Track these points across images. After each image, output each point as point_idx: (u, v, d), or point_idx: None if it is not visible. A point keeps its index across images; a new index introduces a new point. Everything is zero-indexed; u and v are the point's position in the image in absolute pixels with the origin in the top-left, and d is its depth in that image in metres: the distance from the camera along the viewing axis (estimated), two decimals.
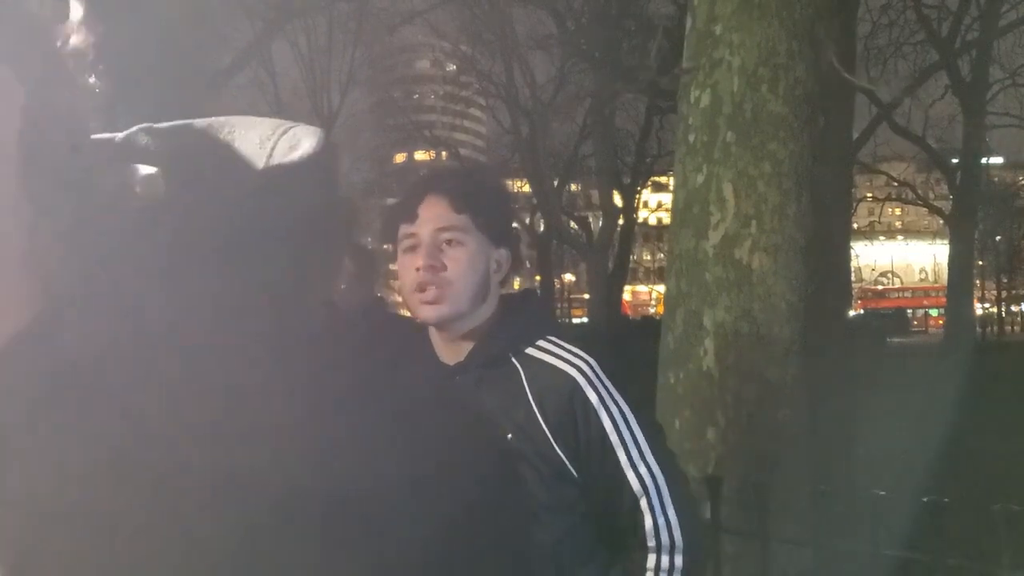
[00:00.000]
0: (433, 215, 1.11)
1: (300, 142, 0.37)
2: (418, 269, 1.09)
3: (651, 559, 1.05)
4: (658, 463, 1.07)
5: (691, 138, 2.57)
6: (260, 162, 0.37)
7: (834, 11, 2.51)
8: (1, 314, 0.35)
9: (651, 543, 1.05)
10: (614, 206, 14.98)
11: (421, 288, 1.10)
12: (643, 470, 1.05)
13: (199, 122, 0.40)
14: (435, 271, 1.09)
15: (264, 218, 0.36)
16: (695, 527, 1.08)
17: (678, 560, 1.04)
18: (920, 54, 14.19)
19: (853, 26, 2.85)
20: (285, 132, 0.38)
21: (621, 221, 15.23)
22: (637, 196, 16.33)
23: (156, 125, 0.40)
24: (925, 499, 1.66)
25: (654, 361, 2.59)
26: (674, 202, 2.68)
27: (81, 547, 0.33)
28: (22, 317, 0.35)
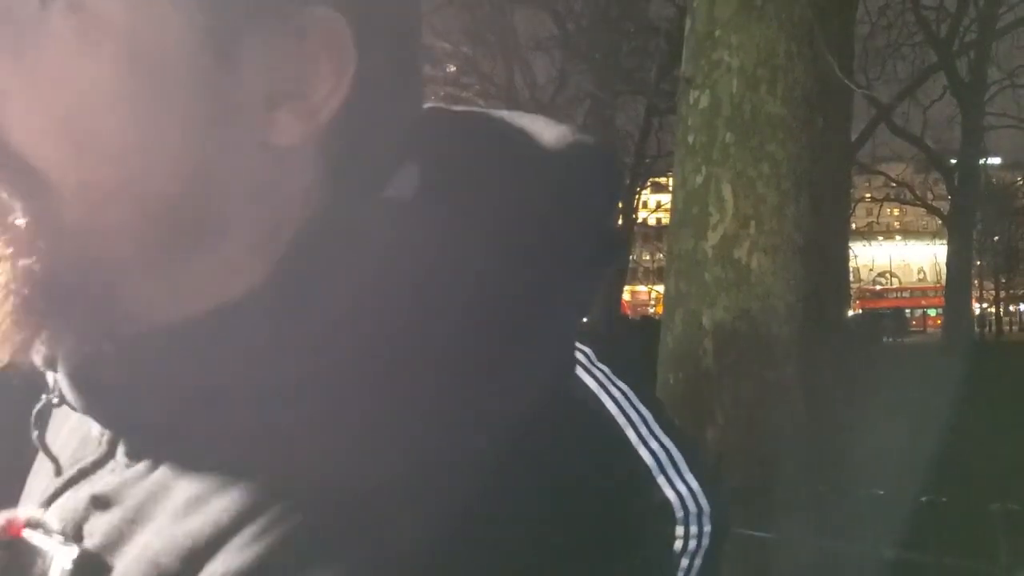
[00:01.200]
0: None
1: (594, 156, 0.31)
2: None
3: (680, 530, 1.04)
4: (668, 436, 1.06)
5: (690, 139, 2.57)
6: (544, 166, 0.30)
7: (833, 13, 2.52)
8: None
9: (679, 514, 1.04)
10: None
11: None
12: (655, 445, 1.05)
13: (494, 112, 0.33)
14: None
15: (527, 238, 0.28)
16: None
17: (707, 526, 1.04)
18: (919, 55, 14.23)
19: (852, 27, 2.86)
20: (579, 141, 0.31)
21: (620, 221, 15.26)
22: (636, 196, 16.35)
23: (448, 107, 0.33)
24: (924, 499, 1.66)
25: (654, 361, 2.59)
26: (673, 203, 2.69)
27: None
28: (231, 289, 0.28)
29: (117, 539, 0.29)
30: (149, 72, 0.26)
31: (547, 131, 0.32)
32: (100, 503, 0.30)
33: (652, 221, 21.02)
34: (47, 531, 0.30)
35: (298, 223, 0.29)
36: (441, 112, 0.33)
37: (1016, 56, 15.43)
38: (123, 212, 0.27)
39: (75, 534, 0.30)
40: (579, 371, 1.07)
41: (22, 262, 0.27)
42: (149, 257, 0.28)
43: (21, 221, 0.27)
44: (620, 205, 0.32)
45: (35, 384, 0.38)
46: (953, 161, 16.78)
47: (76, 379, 0.30)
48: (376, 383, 0.27)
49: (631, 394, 1.07)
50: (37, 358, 0.31)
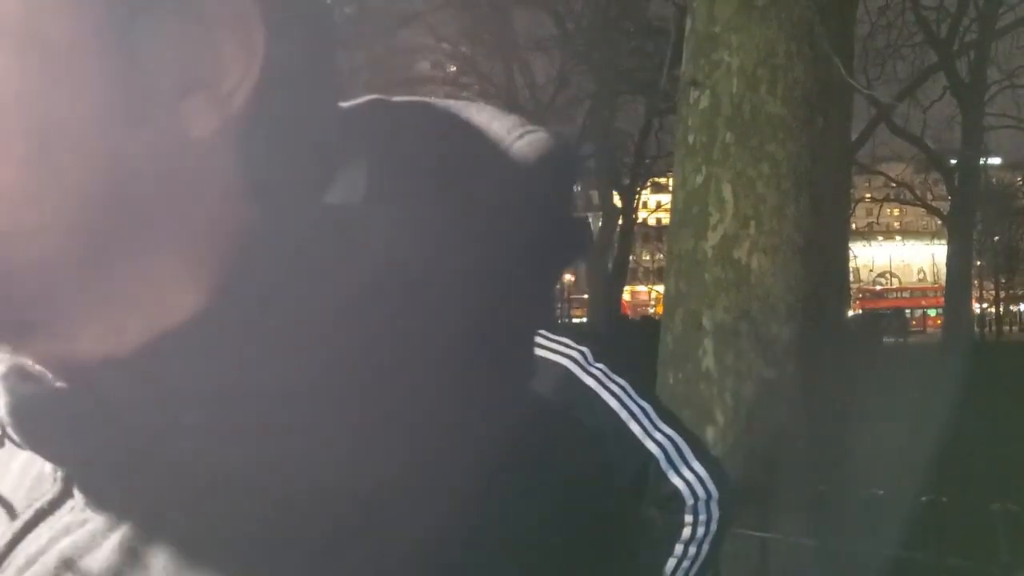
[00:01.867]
0: None
1: (546, 146, 0.29)
2: None
3: (688, 517, 1.05)
4: (670, 426, 1.07)
5: (690, 139, 2.57)
6: (497, 160, 0.29)
7: (833, 13, 2.52)
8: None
9: (688, 502, 1.05)
10: (613, 206, 15.00)
11: None
12: (659, 436, 1.06)
13: (438, 102, 0.31)
14: None
15: (490, 236, 0.27)
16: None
17: (715, 511, 1.05)
18: (919, 55, 14.24)
19: (852, 27, 2.86)
20: (529, 132, 0.29)
21: (620, 221, 15.25)
22: (637, 197, 16.35)
23: (389, 101, 0.31)
24: (924, 499, 1.66)
25: (654, 361, 2.59)
26: (673, 203, 2.69)
27: None
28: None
29: None
30: (48, 65, 0.25)
31: (495, 123, 0.30)
32: (69, 565, 0.28)
33: (652, 221, 21.01)
34: None
35: (234, 235, 0.27)
36: (381, 104, 0.31)
37: (1016, 56, 15.42)
38: (42, 217, 0.25)
39: None
40: (577, 371, 1.07)
41: None
42: (76, 271, 0.26)
43: None
44: (574, 192, 0.31)
45: None
46: (953, 161, 16.78)
47: (17, 413, 0.28)
48: (345, 397, 0.26)
49: (629, 389, 1.08)
50: None
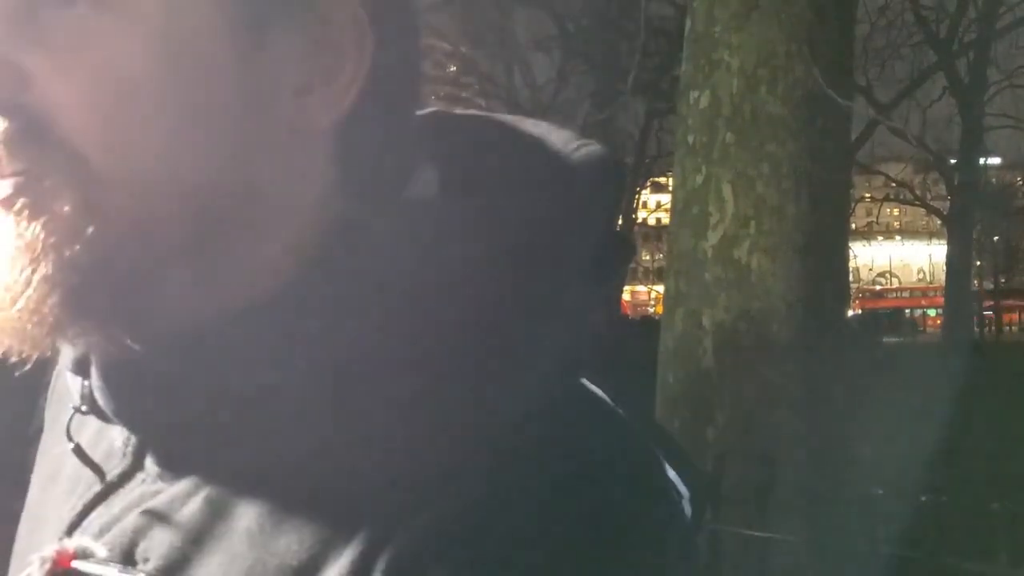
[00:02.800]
0: None
1: (601, 158, 0.31)
2: None
3: None
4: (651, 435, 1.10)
5: (690, 139, 2.57)
6: (557, 171, 0.30)
7: (832, 13, 2.52)
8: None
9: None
10: None
11: None
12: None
13: (496, 116, 0.33)
14: None
15: (541, 241, 0.29)
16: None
17: (687, 508, 1.07)
18: (918, 55, 14.24)
19: (851, 27, 2.86)
20: (585, 145, 0.32)
21: (620, 221, 15.28)
22: (636, 196, 16.36)
23: (452, 110, 0.33)
24: (924, 498, 1.66)
25: (654, 361, 2.59)
26: (673, 202, 2.69)
27: None
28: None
29: (181, 562, 0.28)
30: (183, 62, 0.27)
31: (552, 135, 0.32)
32: (150, 523, 0.29)
33: (652, 221, 21.02)
34: (98, 559, 0.29)
35: (324, 222, 0.29)
36: (448, 115, 0.34)
37: (1015, 56, 15.42)
38: (165, 201, 0.27)
39: (126, 558, 0.28)
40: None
41: (68, 252, 0.27)
42: (190, 246, 0.28)
43: (68, 208, 0.27)
44: (620, 206, 0.33)
45: (34, 389, 0.37)
46: (953, 161, 16.78)
47: (110, 380, 0.30)
48: (403, 381, 0.27)
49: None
50: (69, 362, 0.31)
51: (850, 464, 2.46)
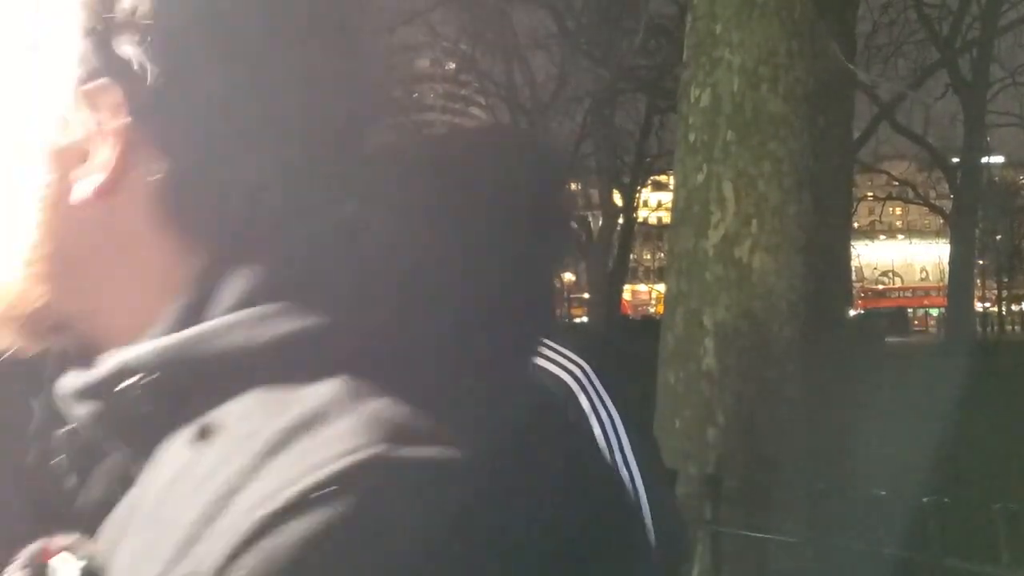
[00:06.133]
0: None
1: (536, 152, 0.35)
2: None
3: None
4: (639, 469, 1.12)
5: (691, 137, 2.56)
6: (490, 168, 0.34)
7: (834, 10, 2.51)
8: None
9: None
10: (614, 205, 14.99)
11: None
12: (624, 474, 1.10)
13: (469, 128, 0.39)
14: None
15: (484, 237, 0.32)
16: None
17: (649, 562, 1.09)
18: (921, 53, 14.22)
19: (853, 25, 2.85)
20: (523, 139, 0.36)
21: (621, 220, 15.24)
22: (637, 195, 16.35)
23: (433, 132, 0.40)
24: (925, 499, 1.65)
25: (654, 361, 2.59)
26: (674, 201, 2.68)
27: None
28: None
29: (118, 536, 0.30)
30: (253, 77, 0.33)
31: (489, 134, 0.37)
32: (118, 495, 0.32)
33: (653, 220, 21.00)
34: (79, 555, 0.31)
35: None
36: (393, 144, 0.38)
37: (1019, 54, 15.41)
38: (225, 205, 0.33)
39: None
40: (576, 389, 1.09)
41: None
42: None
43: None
44: (561, 190, 0.35)
45: (29, 388, 0.40)
46: (955, 160, 16.75)
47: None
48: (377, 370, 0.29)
49: (618, 422, 1.11)
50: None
51: (850, 464, 2.45)
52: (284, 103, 0.33)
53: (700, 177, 2.51)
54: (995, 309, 32.13)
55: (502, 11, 12.41)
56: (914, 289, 38.92)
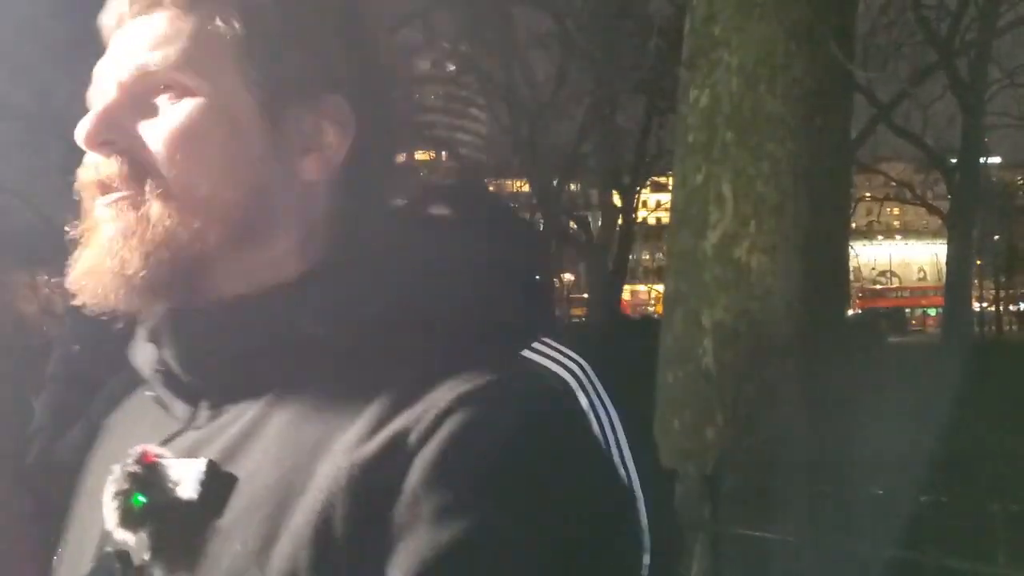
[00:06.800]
0: None
1: (511, 221, 0.53)
2: None
3: None
4: (636, 469, 1.12)
5: (690, 138, 2.57)
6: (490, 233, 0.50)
7: (833, 11, 2.51)
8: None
9: None
10: (613, 206, 14.99)
11: None
12: (620, 473, 1.10)
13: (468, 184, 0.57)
14: None
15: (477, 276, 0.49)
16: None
17: (645, 559, 1.10)
18: (919, 54, 14.22)
19: (852, 26, 2.85)
20: (501, 209, 0.54)
21: (620, 221, 15.24)
22: (636, 196, 16.34)
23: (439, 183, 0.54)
24: (924, 499, 1.66)
25: (654, 361, 2.59)
26: (673, 202, 2.68)
27: None
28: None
29: (233, 453, 0.43)
30: (228, 131, 0.45)
31: (486, 198, 0.51)
32: (204, 441, 0.44)
33: (652, 220, 21.00)
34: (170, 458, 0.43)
35: (328, 236, 0.47)
36: (429, 185, 0.53)
37: (1017, 55, 15.41)
38: (214, 214, 0.44)
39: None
40: (575, 387, 1.09)
41: (151, 240, 0.44)
42: (228, 244, 0.45)
43: (153, 211, 0.44)
44: (541, 259, 0.57)
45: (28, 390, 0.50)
46: (953, 160, 16.76)
47: (179, 336, 0.45)
48: (395, 342, 0.44)
49: (616, 422, 1.11)
50: (144, 332, 0.47)
51: (850, 464, 2.45)
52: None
53: (699, 177, 2.52)
54: (993, 309, 32.14)
55: (502, 11, 12.40)
56: (912, 289, 38.94)
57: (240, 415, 0.44)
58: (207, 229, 0.43)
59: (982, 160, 18.05)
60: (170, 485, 0.41)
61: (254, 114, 0.45)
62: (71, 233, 0.46)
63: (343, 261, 0.45)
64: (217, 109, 0.44)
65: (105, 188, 0.45)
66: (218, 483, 0.41)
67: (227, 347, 0.44)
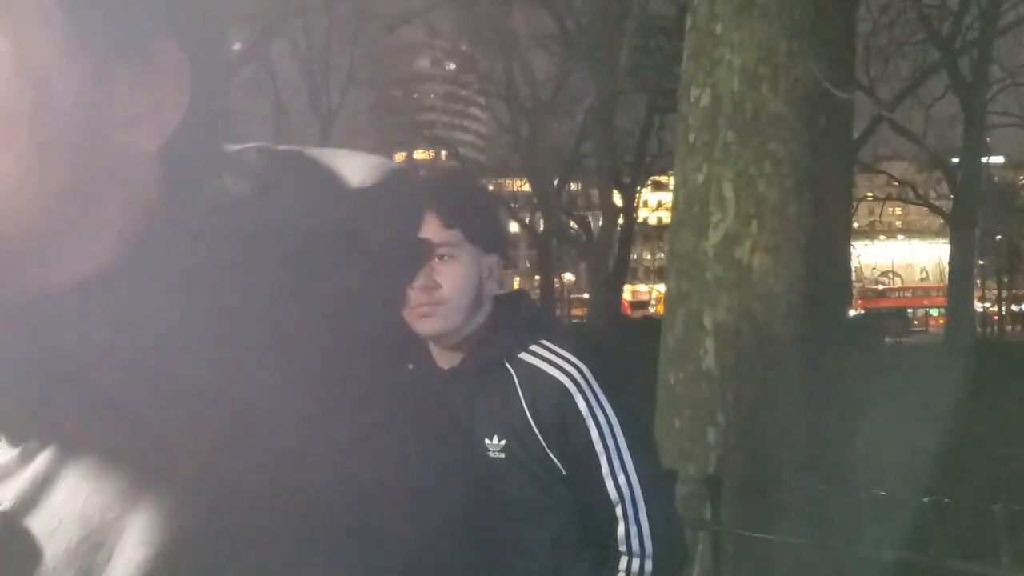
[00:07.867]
0: (424, 234, 1.11)
1: (386, 176, 0.40)
2: (412, 288, 1.10)
3: (623, 562, 1.12)
4: (637, 473, 1.11)
5: (691, 137, 2.56)
6: (351, 196, 0.39)
7: (834, 11, 2.51)
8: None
9: (623, 548, 1.12)
10: (614, 205, 14.98)
11: (417, 305, 1.11)
12: (621, 479, 1.10)
13: (312, 151, 0.42)
14: (430, 290, 1.11)
15: (335, 246, 0.38)
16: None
17: (647, 566, 1.11)
18: (921, 53, 14.20)
19: (853, 26, 2.84)
20: (382, 169, 0.40)
21: (621, 220, 15.24)
22: (637, 195, 16.33)
23: (272, 147, 0.42)
24: (925, 499, 1.65)
25: (654, 361, 2.59)
26: (674, 202, 2.68)
27: None
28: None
29: (30, 501, 0.34)
30: (34, 96, 0.34)
31: (350, 160, 0.41)
32: (4, 478, 0.36)
33: (653, 220, 20.99)
34: None
35: (148, 220, 0.37)
36: (265, 150, 0.42)
37: (1019, 54, 15.39)
38: (18, 200, 0.34)
39: None
40: (573, 391, 1.09)
41: None
42: (37, 235, 0.35)
43: None
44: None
45: None
46: (955, 160, 16.74)
47: None
48: (216, 346, 0.34)
49: (616, 425, 1.11)
50: None
51: (851, 464, 2.45)
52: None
53: (700, 177, 2.51)
54: (995, 309, 32.10)
55: (502, 11, 12.39)
56: (914, 289, 38.89)
57: (43, 446, 0.35)
58: (9, 221, 0.33)
59: (984, 160, 18.02)
60: None
61: (63, 72, 0.34)
62: None
63: (174, 250, 0.35)
64: (15, 68, 0.33)
65: None
66: (12, 540, 0.33)
67: (24, 358, 0.34)
